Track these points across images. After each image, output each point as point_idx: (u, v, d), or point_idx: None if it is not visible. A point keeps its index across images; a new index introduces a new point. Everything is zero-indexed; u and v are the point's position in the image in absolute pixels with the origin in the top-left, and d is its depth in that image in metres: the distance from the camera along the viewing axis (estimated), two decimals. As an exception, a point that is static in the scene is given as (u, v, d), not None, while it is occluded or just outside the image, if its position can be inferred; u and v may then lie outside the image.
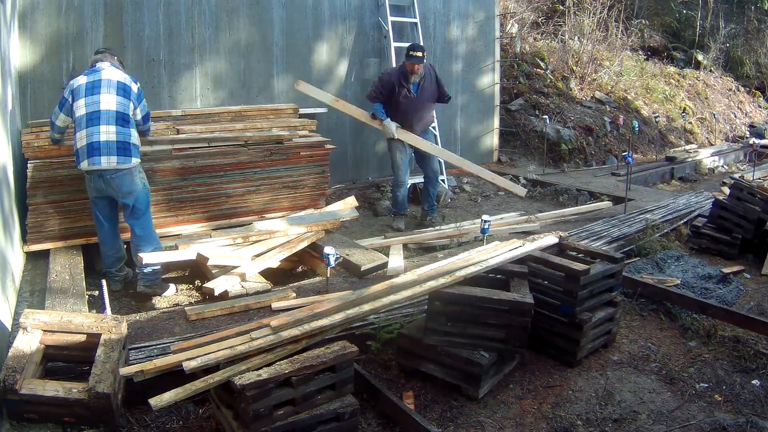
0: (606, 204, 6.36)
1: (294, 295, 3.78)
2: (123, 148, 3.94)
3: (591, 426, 2.94)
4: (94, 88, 3.95)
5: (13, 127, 4.41)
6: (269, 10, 6.38)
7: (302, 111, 6.10)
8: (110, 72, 4.03)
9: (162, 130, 4.82)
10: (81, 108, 3.93)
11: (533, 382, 3.34)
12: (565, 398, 3.18)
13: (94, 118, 3.90)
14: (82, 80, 4.00)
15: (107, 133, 3.90)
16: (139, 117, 4.15)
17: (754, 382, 3.33)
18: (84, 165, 3.91)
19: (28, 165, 4.22)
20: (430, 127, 7.35)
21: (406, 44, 7.26)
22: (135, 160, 4.02)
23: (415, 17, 7.27)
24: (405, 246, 5.14)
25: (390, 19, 6.99)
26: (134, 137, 4.05)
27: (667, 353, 3.68)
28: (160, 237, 4.54)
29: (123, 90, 4.01)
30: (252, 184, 5.08)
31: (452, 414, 3.03)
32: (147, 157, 4.48)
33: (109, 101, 3.94)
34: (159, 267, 4.21)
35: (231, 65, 6.22)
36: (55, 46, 5.27)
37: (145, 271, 4.14)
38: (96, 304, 3.98)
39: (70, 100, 3.99)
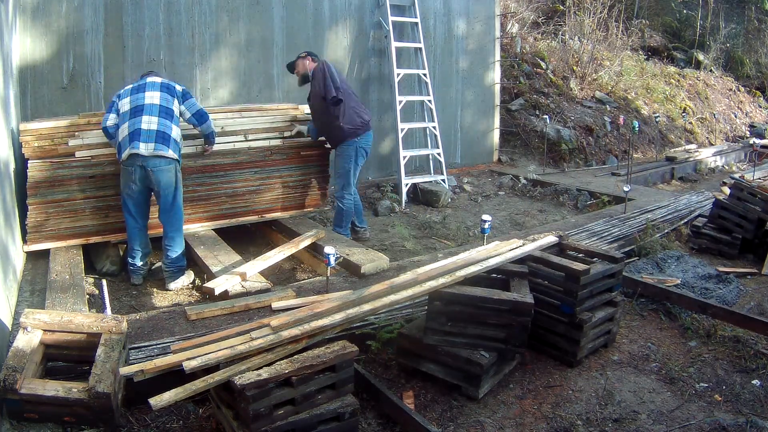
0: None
1: (294, 294, 3.78)
2: (162, 137, 4.09)
3: (591, 426, 2.94)
4: (138, 90, 4.22)
5: (14, 126, 4.41)
6: (269, 10, 6.38)
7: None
8: (155, 78, 4.33)
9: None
10: (125, 105, 4.17)
11: (533, 382, 3.34)
12: (565, 398, 3.18)
13: (137, 111, 4.12)
14: (128, 86, 4.30)
15: (149, 122, 4.09)
16: (188, 115, 4.33)
17: (754, 382, 3.33)
18: (125, 153, 4.06)
19: (28, 165, 4.22)
20: (430, 127, 7.38)
21: (407, 44, 7.29)
22: (172, 153, 4.13)
23: (415, 17, 7.27)
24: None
25: (390, 18, 6.99)
26: (176, 132, 4.20)
27: (667, 353, 3.68)
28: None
29: (166, 88, 4.26)
30: (252, 184, 5.08)
31: (452, 414, 3.03)
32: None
33: (153, 96, 4.18)
34: (184, 262, 4.37)
35: (231, 65, 6.22)
36: (56, 45, 5.28)
37: (173, 269, 4.30)
38: (96, 304, 3.98)
39: (117, 101, 4.22)
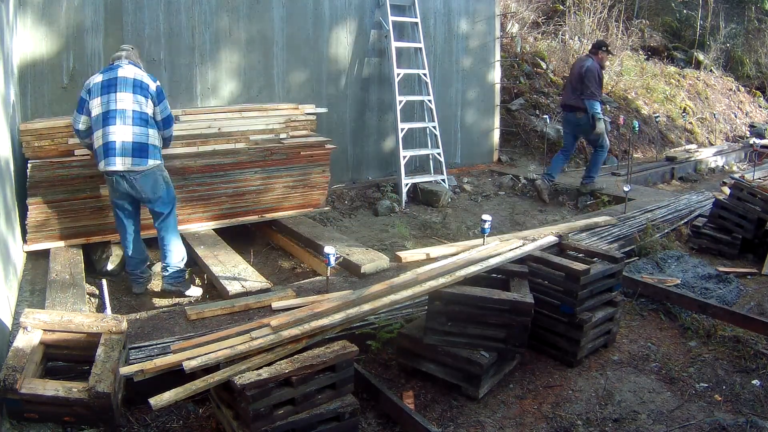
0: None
1: (294, 294, 3.78)
2: (139, 149, 3.82)
3: (591, 426, 2.94)
4: (109, 87, 3.82)
5: (14, 126, 4.41)
6: (270, 10, 6.38)
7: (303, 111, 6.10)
8: (127, 70, 3.89)
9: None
10: (96, 107, 3.82)
11: (533, 382, 3.34)
12: (565, 398, 3.18)
13: (109, 118, 3.79)
14: (98, 78, 3.88)
15: (123, 133, 3.78)
16: (159, 118, 3.98)
17: (754, 382, 3.33)
18: (101, 166, 3.84)
19: (28, 165, 4.22)
20: (430, 127, 7.40)
21: (407, 44, 7.29)
22: (153, 162, 3.88)
23: (415, 17, 7.27)
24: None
25: (391, 18, 6.99)
26: (153, 137, 3.90)
27: (667, 353, 3.68)
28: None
29: (140, 88, 3.87)
30: (252, 184, 5.08)
31: (452, 414, 3.03)
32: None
33: (124, 99, 3.81)
34: (184, 267, 4.19)
35: (231, 65, 6.22)
36: (56, 45, 5.28)
37: (170, 271, 4.12)
38: (96, 304, 3.98)
39: (87, 98, 3.86)
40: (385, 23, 7.06)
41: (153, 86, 3.93)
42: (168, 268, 4.12)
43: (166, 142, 4.19)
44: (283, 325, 2.72)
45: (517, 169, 8.39)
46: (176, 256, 4.11)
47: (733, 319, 3.83)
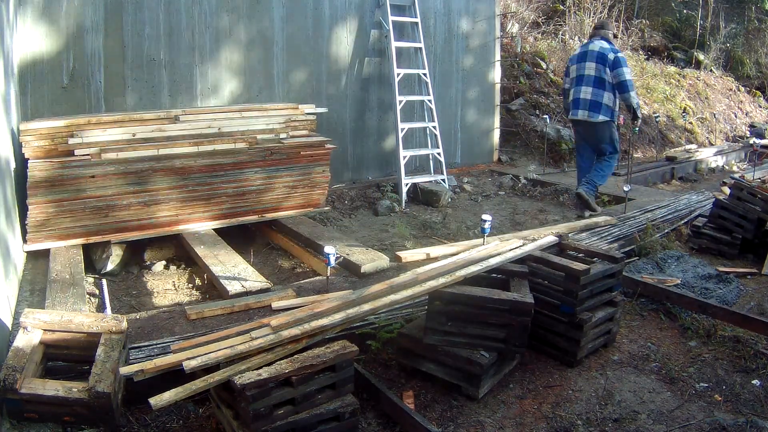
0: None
1: (294, 294, 3.78)
2: (594, 105, 5.65)
3: (591, 426, 2.94)
4: (581, 59, 5.78)
5: (14, 126, 4.41)
6: (270, 10, 6.38)
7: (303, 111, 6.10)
8: (596, 44, 5.70)
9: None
10: (573, 72, 5.89)
11: (533, 382, 3.34)
12: (565, 398, 3.18)
13: (579, 81, 5.75)
14: (576, 51, 5.95)
15: (584, 93, 5.69)
16: (614, 81, 5.58)
17: (754, 382, 3.33)
18: (569, 115, 5.98)
19: (29, 164, 4.22)
20: (430, 127, 7.40)
21: (407, 44, 7.29)
22: (602, 117, 5.65)
23: (415, 16, 7.27)
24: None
25: (391, 18, 6.99)
26: (606, 98, 5.63)
27: (667, 353, 3.68)
28: (161, 237, 4.54)
29: (600, 58, 5.62)
30: (252, 184, 5.09)
31: (452, 414, 3.03)
32: (149, 156, 4.47)
33: (589, 68, 5.66)
34: (594, 187, 5.86)
35: (231, 65, 6.22)
36: (56, 45, 5.28)
37: (587, 183, 5.80)
38: (96, 304, 3.98)
39: (568, 66, 5.98)
40: (385, 23, 7.06)
41: (611, 56, 5.57)
42: (586, 181, 5.82)
43: (626, 100, 5.64)
44: (283, 325, 2.72)
45: (517, 169, 8.39)
46: (597, 176, 5.84)
47: (733, 319, 3.83)
